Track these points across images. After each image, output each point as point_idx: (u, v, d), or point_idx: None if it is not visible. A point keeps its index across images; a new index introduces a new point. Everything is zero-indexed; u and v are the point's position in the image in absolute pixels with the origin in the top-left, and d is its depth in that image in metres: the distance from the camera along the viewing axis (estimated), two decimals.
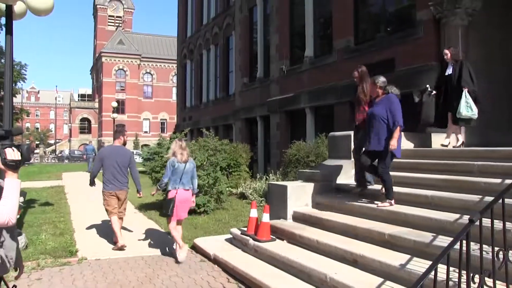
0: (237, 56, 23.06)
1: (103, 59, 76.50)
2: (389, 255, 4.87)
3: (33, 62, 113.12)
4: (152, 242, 8.09)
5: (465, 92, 7.41)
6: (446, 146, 7.79)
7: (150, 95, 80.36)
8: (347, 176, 7.64)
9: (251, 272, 5.63)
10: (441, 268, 3.28)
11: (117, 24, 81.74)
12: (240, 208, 11.57)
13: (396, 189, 6.31)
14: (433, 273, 3.20)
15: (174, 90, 62.47)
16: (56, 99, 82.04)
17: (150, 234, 8.75)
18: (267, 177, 13.71)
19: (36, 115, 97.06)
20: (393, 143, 5.98)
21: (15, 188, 2.51)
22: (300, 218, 6.96)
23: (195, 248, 7.53)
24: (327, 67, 14.66)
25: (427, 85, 8.34)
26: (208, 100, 29.10)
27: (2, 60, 35.64)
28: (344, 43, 13.40)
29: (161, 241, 8.13)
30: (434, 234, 4.85)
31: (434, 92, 8.17)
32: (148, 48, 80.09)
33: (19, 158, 2.57)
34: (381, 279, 4.53)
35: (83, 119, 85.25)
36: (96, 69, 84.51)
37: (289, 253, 5.80)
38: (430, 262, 3.44)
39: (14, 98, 51.39)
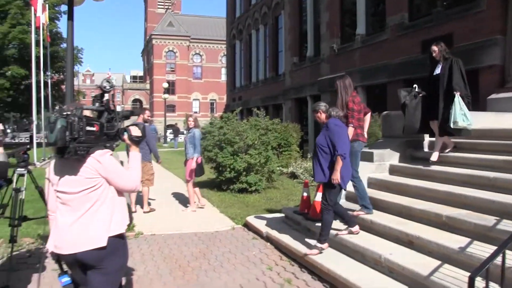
0: (287, 35, 22.85)
1: (154, 41, 77.63)
2: (447, 237, 4.73)
3: (88, 46, 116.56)
4: (205, 219, 8.23)
5: (457, 98, 6.21)
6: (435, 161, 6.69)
7: (199, 76, 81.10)
8: (402, 156, 7.45)
9: (304, 251, 5.64)
10: (508, 254, 3.15)
11: (166, 7, 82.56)
12: (291, 187, 11.59)
13: (455, 170, 6.12)
14: (500, 258, 3.05)
15: (223, 70, 62.82)
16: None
17: (203, 211, 8.92)
18: None
19: (92, 96, 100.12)
20: (336, 176, 5.28)
21: (138, 160, 3.03)
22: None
23: (247, 225, 7.62)
24: (379, 45, 14.30)
25: (415, 85, 7.13)
26: (257, 80, 29.09)
27: (61, 45, 36.94)
28: (398, 19, 12.99)
29: (214, 218, 8.27)
30: (498, 218, 4.65)
31: (423, 92, 6.91)
32: (197, 30, 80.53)
33: (140, 134, 3.01)
34: (439, 262, 4.42)
35: (135, 100, 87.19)
36: (147, 52, 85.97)
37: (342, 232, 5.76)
38: (492, 247, 3.32)
39: None
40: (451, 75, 6.36)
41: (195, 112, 74.84)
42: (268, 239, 6.75)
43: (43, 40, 21.88)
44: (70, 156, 2.63)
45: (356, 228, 5.59)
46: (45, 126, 2.73)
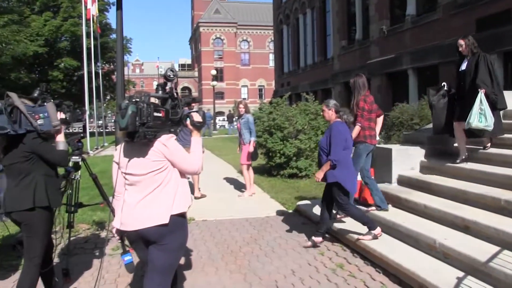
0: (334, 18, 22.52)
1: (201, 29, 78.32)
2: (507, 222, 4.56)
3: (136, 36, 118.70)
4: (255, 204, 8.30)
5: (480, 95, 5.68)
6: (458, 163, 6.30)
7: (247, 62, 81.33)
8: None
9: (356, 235, 5.60)
10: None
11: None
12: None
13: None
14: None
15: (271, 56, 62.71)
16: (158, 69, 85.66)
17: (253, 197, 9.00)
18: None
19: (141, 86, 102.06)
20: (318, 175, 5.43)
21: (200, 144, 3.21)
22: (405, 182, 6.75)
23: (298, 211, 7.64)
24: (430, 25, 13.88)
25: (443, 83, 6.59)
26: (306, 65, 28.89)
27: (111, 36, 38.02)
28: None
29: (264, 204, 8.34)
30: None
31: (453, 90, 6.42)
32: (244, 16, 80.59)
33: (201, 120, 3.19)
34: (498, 248, 4.27)
35: (184, 88, 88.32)
36: (195, 39, 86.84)
37: (394, 217, 5.68)
38: None
39: None
40: (477, 71, 5.86)
41: (244, 99, 75.29)
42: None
43: (93, 32, 22.53)
44: (139, 140, 2.83)
45: (377, 230, 5.41)
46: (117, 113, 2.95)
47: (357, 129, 6.05)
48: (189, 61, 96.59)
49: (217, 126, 44.75)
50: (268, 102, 13.63)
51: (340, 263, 5.13)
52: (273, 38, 41.36)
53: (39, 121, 3.62)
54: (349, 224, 6.15)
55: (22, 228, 3.71)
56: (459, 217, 5.00)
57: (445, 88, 6.50)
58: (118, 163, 3.10)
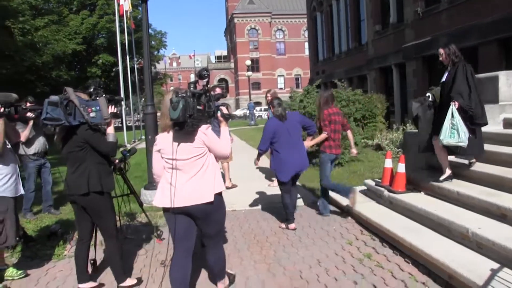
0: (368, 2, 22.01)
1: (235, 20, 78.30)
2: None
3: (172, 30, 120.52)
4: None
5: (452, 108, 5.22)
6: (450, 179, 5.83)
7: (283, 52, 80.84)
8: (494, 122, 6.83)
9: (385, 224, 5.43)
10: None
11: None
12: (376, 159, 11.22)
13: None
14: None
15: (306, 45, 62.13)
16: (194, 62, 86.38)
17: None
18: (404, 127, 13.08)
19: (178, 79, 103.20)
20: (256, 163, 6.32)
21: (227, 132, 3.77)
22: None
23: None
24: (468, 4, 13.33)
25: (428, 94, 6.06)
26: (340, 52, 28.46)
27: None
28: None
29: None
30: None
31: (437, 102, 5.90)
32: (278, 5, 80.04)
33: (229, 112, 3.79)
34: None
35: (221, 80, 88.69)
36: (230, 31, 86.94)
37: (426, 205, 5.46)
38: None
39: (157, 64, 54.60)
40: (455, 82, 5.41)
41: (280, 89, 75.11)
42: (349, 213, 6.59)
43: (127, 27, 22.79)
44: (188, 129, 3.36)
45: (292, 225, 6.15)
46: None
47: (322, 136, 6.46)
48: (225, 53, 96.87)
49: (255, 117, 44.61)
50: (301, 91, 13.45)
51: (368, 253, 4.98)
52: (307, 26, 40.91)
53: (92, 114, 3.96)
54: (378, 213, 5.98)
55: (89, 212, 4.12)
56: (494, 204, 4.75)
57: (430, 99, 5.99)
58: (159, 150, 3.59)
